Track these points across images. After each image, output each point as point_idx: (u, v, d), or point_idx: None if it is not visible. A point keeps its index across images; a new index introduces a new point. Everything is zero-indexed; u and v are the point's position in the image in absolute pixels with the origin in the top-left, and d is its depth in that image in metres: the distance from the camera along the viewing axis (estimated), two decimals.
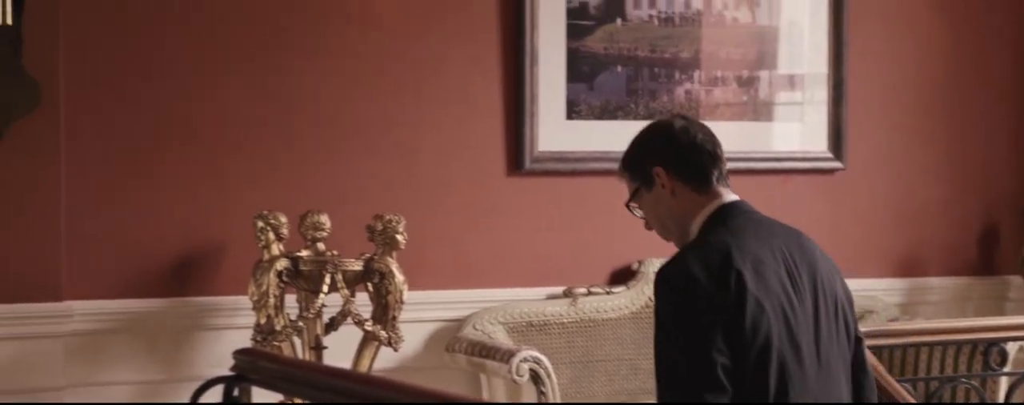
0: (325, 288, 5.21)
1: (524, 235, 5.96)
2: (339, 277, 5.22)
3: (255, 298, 5.21)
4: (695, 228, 3.46)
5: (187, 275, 5.46)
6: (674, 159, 3.48)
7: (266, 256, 5.26)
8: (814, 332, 3.41)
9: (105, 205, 5.37)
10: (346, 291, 5.25)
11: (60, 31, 5.21)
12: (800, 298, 3.40)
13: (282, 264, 5.24)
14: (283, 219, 5.30)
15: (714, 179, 3.48)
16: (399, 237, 5.32)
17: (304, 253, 5.30)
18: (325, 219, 5.36)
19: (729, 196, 3.49)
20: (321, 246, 5.34)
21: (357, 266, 5.28)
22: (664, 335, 3.30)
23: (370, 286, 5.33)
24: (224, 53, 5.52)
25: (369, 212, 5.41)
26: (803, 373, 3.36)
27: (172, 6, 5.46)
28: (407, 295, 5.32)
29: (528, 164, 5.91)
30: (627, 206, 3.58)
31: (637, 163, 3.53)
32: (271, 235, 5.27)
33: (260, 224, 5.27)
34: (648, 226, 3.59)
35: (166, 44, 5.45)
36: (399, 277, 5.30)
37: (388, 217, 5.33)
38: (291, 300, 5.32)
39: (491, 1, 5.88)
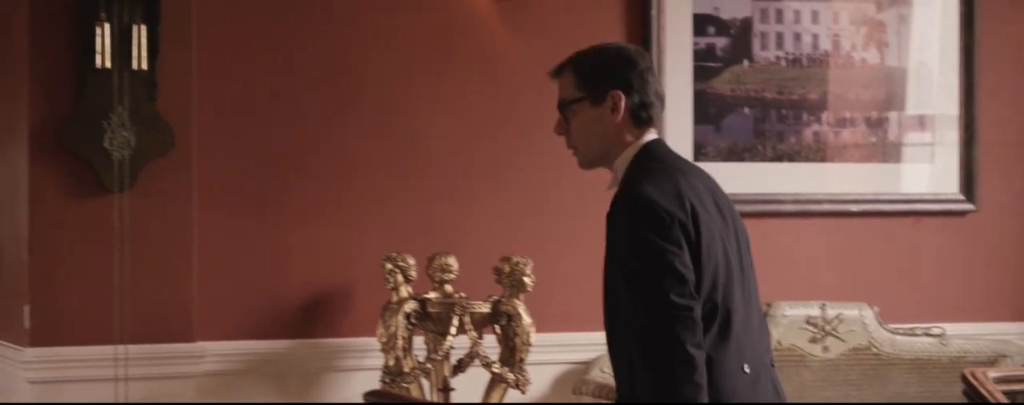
0: (453, 330, 5.23)
1: None
2: (467, 319, 5.24)
3: (384, 340, 5.24)
4: (621, 159, 3.49)
5: (317, 317, 5.50)
6: (635, 89, 3.48)
7: (395, 298, 5.29)
8: (740, 265, 3.48)
9: (236, 247, 5.43)
10: (474, 333, 5.26)
11: (193, 76, 5.30)
12: (728, 233, 3.47)
13: (410, 306, 5.27)
14: (411, 261, 5.33)
15: (655, 117, 3.51)
16: (526, 279, 5.32)
17: (432, 295, 5.32)
18: (453, 261, 5.38)
19: (654, 132, 3.52)
20: (449, 288, 5.36)
21: (485, 308, 5.30)
22: (625, 254, 3.32)
23: (498, 328, 5.34)
24: (353, 97, 5.58)
25: (496, 254, 5.42)
26: (745, 302, 3.45)
27: (302, 52, 5.52)
28: (534, 337, 5.32)
29: None
30: (561, 110, 3.54)
31: (597, 78, 3.50)
32: (399, 277, 5.30)
33: (389, 266, 5.30)
34: (560, 131, 3.57)
35: (296, 88, 5.52)
36: (527, 319, 5.30)
37: (515, 259, 5.34)
38: (419, 342, 5.34)
39: None
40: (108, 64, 5.08)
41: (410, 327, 5.26)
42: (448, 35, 5.70)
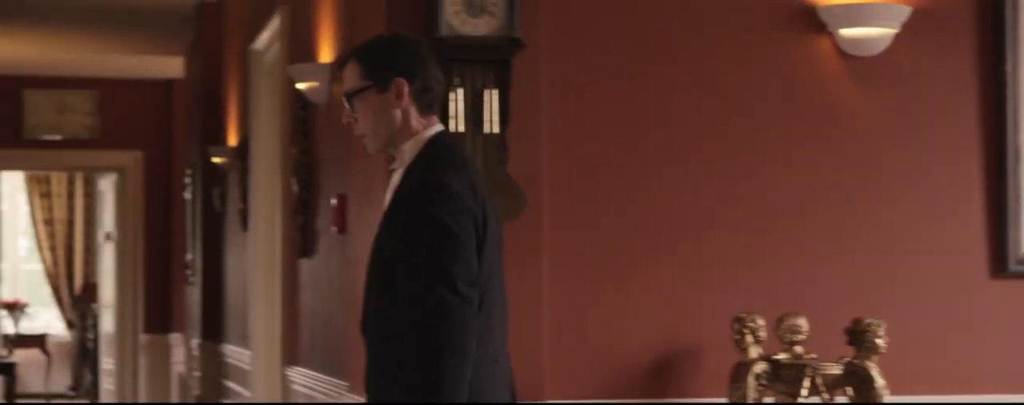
0: (804, 392, 5.16)
1: (1008, 340, 5.74)
2: (819, 381, 5.16)
3: (733, 401, 5.20)
4: (410, 143, 3.71)
5: (665, 377, 5.50)
6: (419, 78, 3.70)
7: (744, 359, 5.25)
8: (500, 262, 3.76)
9: (585, 307, 5.49)
10: (826, 395, 5.17)
11: (542, 139, 5.39)
12: (498, 231, 3.73)
13: (760, 367, 5.22)
14: (760, 322, 5.29)
15: (435, 102, 3.77)
16: (879, 341, 5.22)
17: (782, 356, 5.27)
18: (803, 322, 5.31)
19: (439, 123, 3.73)
20: (799, 349, 5.30)
21: (837, 370, 5.21)
22: (418, 240, 3.50)
23: (850, 390, 5.24)
24: (699, 157, 5.59)
25: (847, 314, 5.34)
26: (501, 299, 3.75)
27: (649, 115, 5.57)
28: (888, 400, 5.21)
29: (1012, 266, 5.71)
30: (347, 97, 3.72)
31: (381, 67, 3.69)
32: (749, 338, 5.27)
33: (738, 327, 5.28)
34: (350, 121, 3.75)
35: (644, 150, 5.56)
36: (879, 381, 5.19)
37: (867, 321, 5.24)
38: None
39: (971, 106, 5.75)
40: (462, 128, 5.22)
41: (760, 388, 5.22)
42: (794, 93, 5.66)
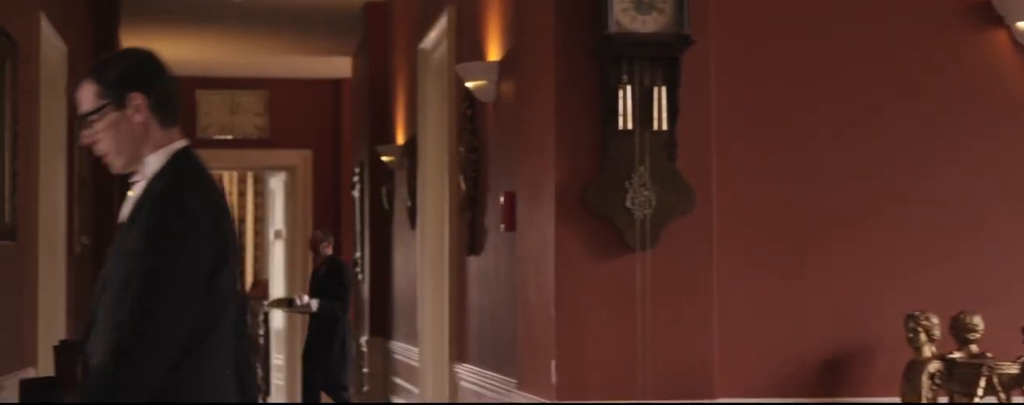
0: (980, 391, 5.07)
1: None
2: (995, 380, 5.07)
3: (907, 400, 5.13)
4: (154, 157, 3.63)
5: (837, 375, 5.45)
6: (155, 90, 3.63)
7: (918, 358, 5.18)
8: (235, 278, 3.67)
9: (755, 304, 5.46)
10: (1003, 395, 5.08)
11: (712, 136, 5.37)
12: (236, 247, 3.66)
13: (935, 366, 5.15)
14: (934, 320, 5.21)
15: (174, 114, 3.68)
16: None
17: (957, 355, 5.18)
18: (978, 320, 5.22)
19: (182, 137, 3.69)
20: (974, 348, 5.21)
21: (1014, 369, 5.11)
22: (161, 252, 3.45)
23: None
24: (871, 154, 5.53)
25: (1023, 313, 5.24)
26: (238, 311, 3.70)
27: (820, 111, 5.52)
28: None
29: None
30: (85, 118, 3.63)
31: (116, 84, 3.61)
32: (923, 336, 5.19)
33: (911, 325, 5.20)
34: (91, 142, 3.64)
35: (814, 146, 5.51)
36: None
37: None
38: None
39: None
40: (630, 126, 5.22)
41: (934, 388, 5.14)
42: (968, 88, 5.57)
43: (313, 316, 11.92)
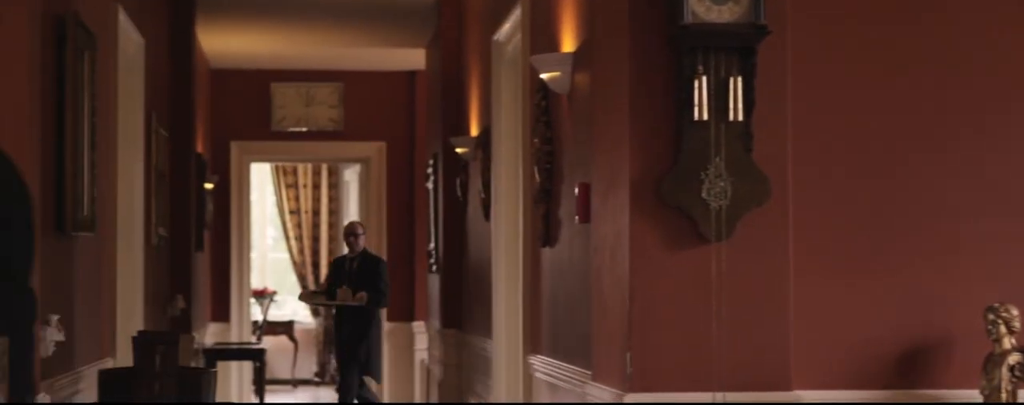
0: None
1: None
2: None
3: (986, 393, 5.09)
4: None
5: (915, 367, 5.41)
6: None
7: (997, 350, 5.13)
8: None
9: (832, 295, 5.42)
10: None
11: (788, 127, 5.34)
12: None
13: (1014, 358, 5.10)
14: (1014, 312, 5.16)
15: None
16: None
17: None
18: None
19: None
20: None
21: None
22: None
23: None
24: (948, 142, 5.49)
25: None
26: None
27: (895, 99, 5.48)
28: None
29: None
30: None
31: None
32: (1002, 328, 5.14)
33: (991, 317, 5.16)
34: None
35: (890, 135, 5.47)
36: None
37: None
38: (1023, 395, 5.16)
39: None
40: (705, 116, 5.20)
41: (1014, 380, 5.09)
42: None
43: (348, 309, 11.63)
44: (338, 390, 11.96)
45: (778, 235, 5.31)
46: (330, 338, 17.62)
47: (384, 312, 14.69)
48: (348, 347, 11.69)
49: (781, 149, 5.32)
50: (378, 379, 11.88)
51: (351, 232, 11.96)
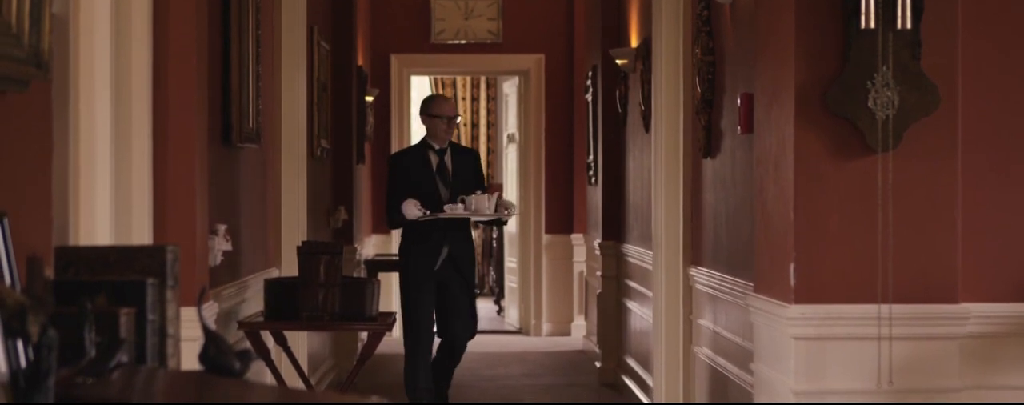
0: None
1: None
2: None
3: None
4: None
5: None
6: None
7: None
8: None
9: (999, 208, 5.32)
10: None
11: (957, 34, 5.22)
12: None
13: None
14: None
15: None
16: None
17: None
18: None
19: None
20: None
21: None
22: None
23: None
24: None
25: None
26: None
27: None
28: None
29: None
30: None
31: None
32: None
33: None
34: None
35: None
36: None
37: None
38: None
39: None
40: (873, 25, 5.10)
41: None
42: None
43: (451, 224, 8.71)
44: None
45: (946, 145, 5.21)
46: (488, 249, 17.75)
47: (543, 224, 14.77)
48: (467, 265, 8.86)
49: (950, 57, 5.21)
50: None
51: (453, 113, 8.88)
